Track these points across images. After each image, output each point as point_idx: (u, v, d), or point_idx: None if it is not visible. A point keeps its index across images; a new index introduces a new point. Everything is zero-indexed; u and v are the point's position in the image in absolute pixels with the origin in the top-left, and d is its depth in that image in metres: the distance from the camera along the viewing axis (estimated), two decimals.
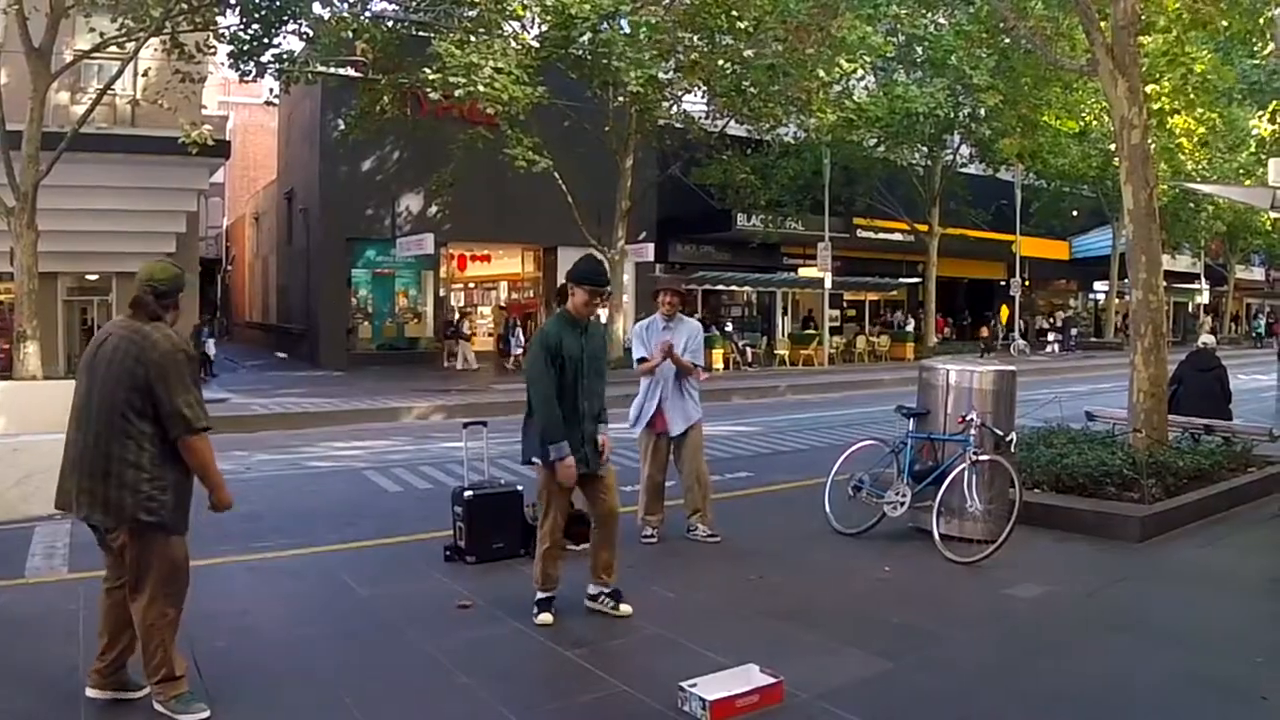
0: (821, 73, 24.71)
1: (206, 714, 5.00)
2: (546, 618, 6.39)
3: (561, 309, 6.57)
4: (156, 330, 4.92)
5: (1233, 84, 27.85)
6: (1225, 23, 14.78)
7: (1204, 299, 53.62)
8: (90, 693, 5.09)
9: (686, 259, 37.77)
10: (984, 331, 43.69)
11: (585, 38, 23.43)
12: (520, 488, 8.28)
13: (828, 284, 34.28)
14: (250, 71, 23.19)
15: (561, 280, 6.77)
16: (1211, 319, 55.60)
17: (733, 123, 29.09)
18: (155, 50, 21.93)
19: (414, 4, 25.41)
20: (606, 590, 6.68)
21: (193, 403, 4.90)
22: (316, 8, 22.97)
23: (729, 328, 34.52)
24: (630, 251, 29.84)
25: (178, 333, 5.07)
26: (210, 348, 29.14)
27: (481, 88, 20.51)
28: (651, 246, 32.74)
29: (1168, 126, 32.88)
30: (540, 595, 6.48)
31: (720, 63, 24.68)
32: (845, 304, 42.78)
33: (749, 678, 5.17)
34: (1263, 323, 61.24)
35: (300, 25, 22.72)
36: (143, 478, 4.85)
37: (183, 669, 5.06)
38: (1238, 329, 58.63)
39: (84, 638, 6.01)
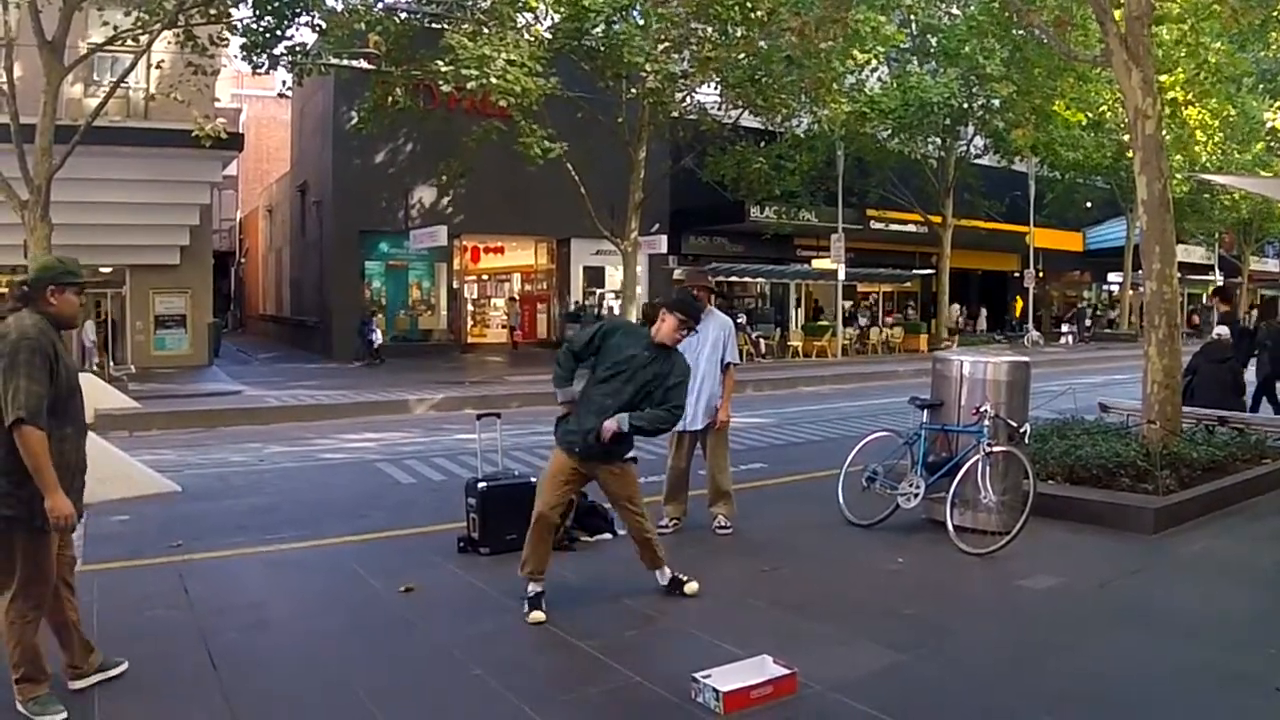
0: (835, 63, 24.64)
1: (63, 716, 4.85)
2: (540, 616, 6.29)
3: (642, 323, 6.61)
4: (16, 322, 4.80)
5: (1246, 72, 27.74)
6: (1240, 13, 14.67)
7: None
8: (72, 685, 5.12)
9: (699, 251, 37.72)
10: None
11: (598, 29, 23.38)
12: (534, 479, 8.28)
13: (841, 276, 34.23)
14: (263, 64, 23.19)
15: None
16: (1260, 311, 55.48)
17: (746, 114, 28.99)
18: (168, 43, 21.98)
19: None
20: (668, 580, 6.80)
21: (19, 389, 4.60)
22: (329, 0, 22.97)
23: (742, 319, 34.50)
24: (643, 243, 29.76)
25: (58, 320, 4.97)
26: (377, 336, 29.97)
27: (494, 79, 20.47)
28: (664, 238, 32.63)
29: (1181, 117, 32.80)
30: (537, 588, 6.41)
31: (733, 53, 24.61)
32: (860, 295, 42.72)
33: (762, 669, 5.17)
34: None
35: (313, 17, 22.70)
36: None
37: (46, 673, 4.94)
38: (1249, 320, 58.31)
39: (97, 629, 6.04)
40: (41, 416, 4.64)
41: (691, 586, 6.80)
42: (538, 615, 6.27)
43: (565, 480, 6.53)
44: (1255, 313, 56.23)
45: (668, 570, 6.84)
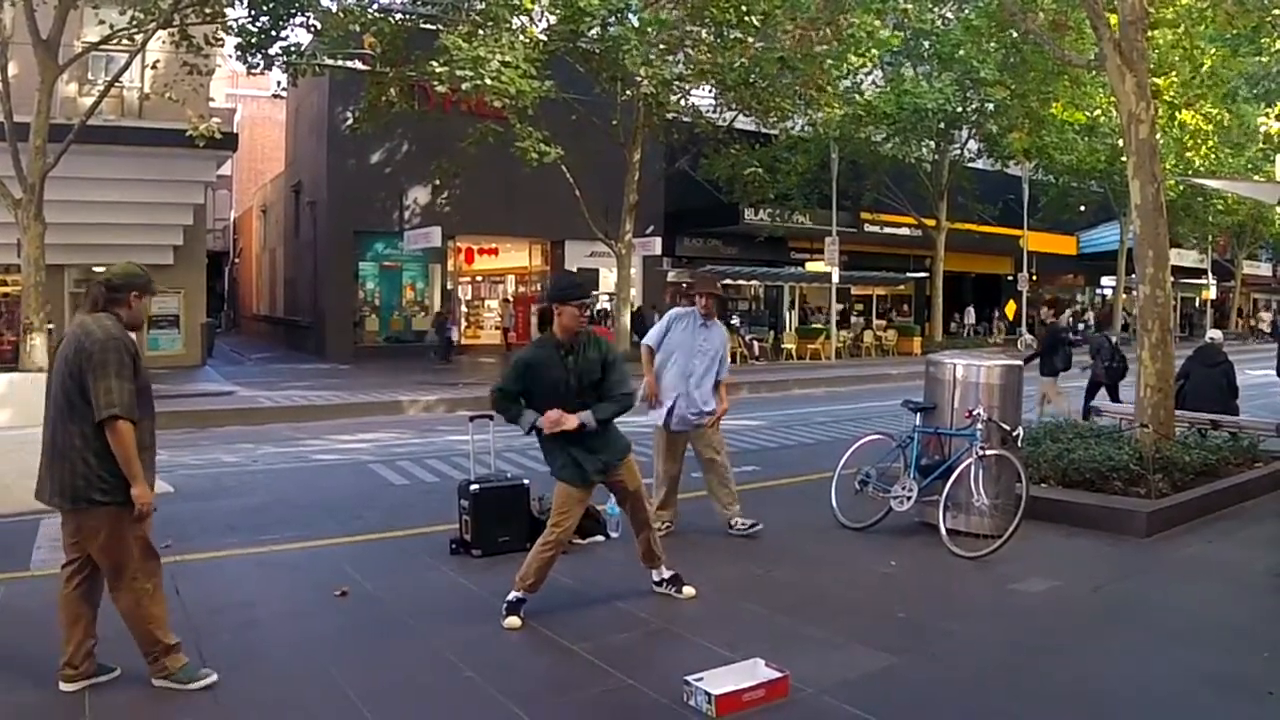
0: (831, 64, 24.67)
1: (214, 678, 5.23)
2: (515, 621, 6.27)
3: (546, 334, 6.46)
4: (97, 321, 5.13)
5: (1241, 71, 27.83)
6: (1234, 17, 14.71)
7: (1211, 293, 53.56)
8: (64, 686, 5.17)
9: (694, 253, 37.75)
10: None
11: (594, 32, 23.38)
12: (526, 481, 8.29)
13: (835, 278, 34.26)
14: (258, 64, 23.16)
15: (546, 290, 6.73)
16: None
17: (741, 116, 29.01)
18: (163, 42, 21.93)
19: None
20: (666, 576, 6.79)
21: (111, 389, 4.94)
22: (324, 0, 22.95)
23: (735, 322, 34.61)
24: (637, 245, 29.81)
25: (125, 323, 5.22)
26: (454, 334, 31.65)
27: (489, 81, 20.47)
28: (659, 240, 32.69)
29: (1176, 121, 32.88)
30: (518, 596, 6.36)
31: (728, 56, 24.61)
32: (854, 299, 42.80)
33: (755, 672, 5.16)
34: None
35: (308, 18, 22.70)
36: (90, 459, 5.01)
37: (176, 640, 5.25)
38: (1243, 324, 58.52)
39: None
40: (133, 411, 5.01)
41: (689, 590, 6.81)
42: (515, 621, 6.25)
43: (584, 504, 6.61)
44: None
45: (665, 569, 6.85)
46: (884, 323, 42.03)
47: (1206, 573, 7.63)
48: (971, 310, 46.07)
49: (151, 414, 5.31)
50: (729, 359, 8.76)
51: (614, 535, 8.39)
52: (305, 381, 24.16)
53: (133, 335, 5.23)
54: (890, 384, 25.14)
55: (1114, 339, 17.61)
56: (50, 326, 19.22)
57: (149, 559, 5.24)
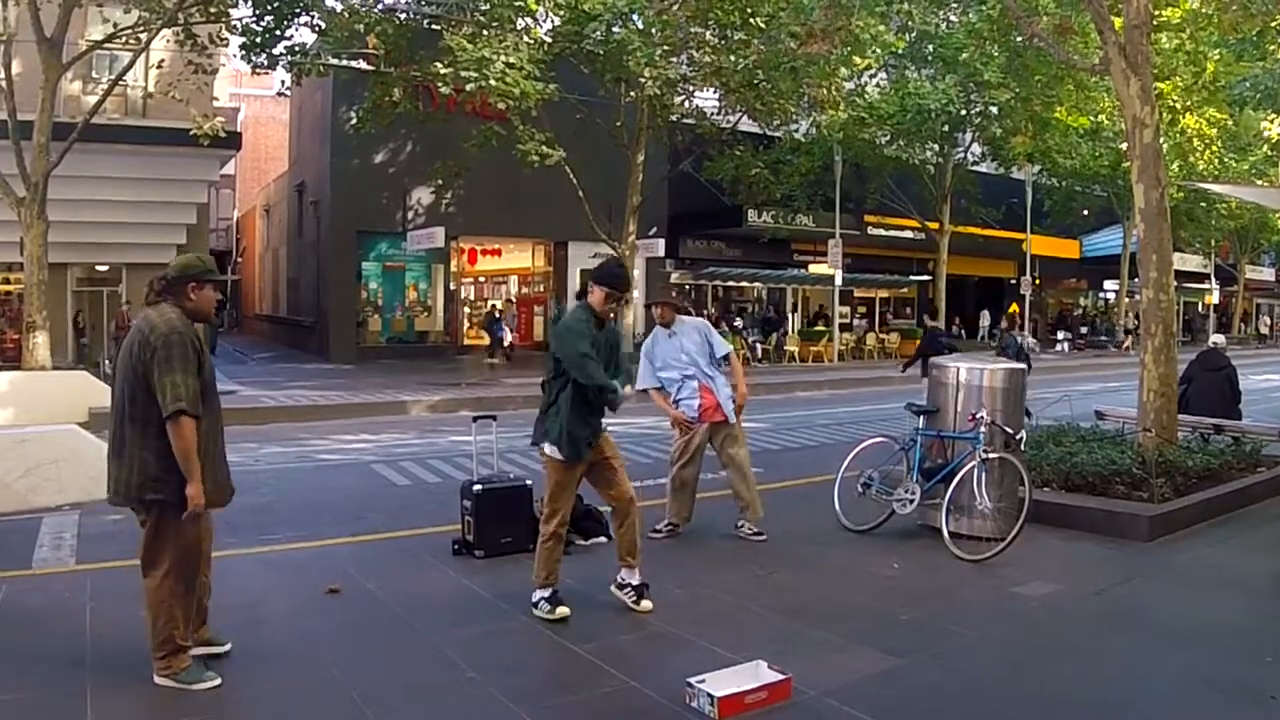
0: (841, 69, 24.69)
1: (218, 682, 5.22)
2: (565, 610, 6.38)
3: (584, 302, 6.62)
4: (160, 315, 5.15)
5: (1245, 76, 27.82)
6: (1239, 22, 14.70)
7: (1214, 298, 53.56)
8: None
9: (697, 255, 37.72)
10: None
11: (598, 33, 23.38)
12: (529, 482, 8.29)
13: (838, 281, 34.23)
14: (262, 63, 23.16)
15: (580, 274, 6.86)
16: None
17: (745, 119, 29.00)
18: (168, 41, 21.93)
19: None
20: (633, 583, 6.65)
21: (177, 384, 4.96)
22: (328, 0, 22.95)
23: (739, 324, 34.63)
24: (641, 247, 29.76)
25: (186, 315, 5.28)
26: (507, 335, 32.30)
27: (493, 82, 20.47)
28: (662, 242, 32.60)
29: (1180, 125, 32.86)
30: (548, 592, 6.45)
31: (733, 58, 24.60)
32: (856, 300, 42.77)
33: (757, 674, 5.17)
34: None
35: (312, 17, 22.69)
36: (147, 457, 5.04)
37: (189, 642, 5.28)
38: (1246, 329, 58.50)
39: (91, 629, 6.04)
40: (198, 406, 5.08)
41: (646, 605, 6.64)
42: (564, 610, 6.38)
43: (574, 488, 6.63)
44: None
45: (637, 574, 6.72)
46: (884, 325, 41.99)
47: (1208, 577, 7.62)
48: (987, 314, 46.03)
49: (216, 411, 5.37)
50: (720, 342, 8.78)
51: None
52: (308, 381, 24.17)
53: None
54: (892, 387, 25.11)
55: (1021, 340, 17.75)
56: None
57: (193, 560, 5.30)
